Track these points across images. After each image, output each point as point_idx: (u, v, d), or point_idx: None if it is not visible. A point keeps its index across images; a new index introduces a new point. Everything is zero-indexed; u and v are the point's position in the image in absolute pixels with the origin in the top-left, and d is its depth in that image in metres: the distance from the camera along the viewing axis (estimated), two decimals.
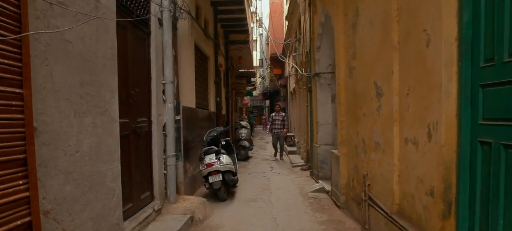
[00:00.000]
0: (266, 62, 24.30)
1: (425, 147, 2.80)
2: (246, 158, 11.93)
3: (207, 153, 6.15)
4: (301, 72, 8.93)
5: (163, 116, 4.85)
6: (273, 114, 11.89)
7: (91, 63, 2.91)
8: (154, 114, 4.58)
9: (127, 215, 3.72)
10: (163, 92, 4.84)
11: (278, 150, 11.95)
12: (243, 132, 12.07)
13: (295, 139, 14.26)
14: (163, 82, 4.82)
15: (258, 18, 26.84)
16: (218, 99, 9.77)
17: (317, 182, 7.38)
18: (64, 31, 2.54)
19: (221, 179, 6.02)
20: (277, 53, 10.74)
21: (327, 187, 6.61)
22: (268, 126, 12.65)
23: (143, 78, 4.39)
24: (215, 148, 6.19)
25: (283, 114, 11.91)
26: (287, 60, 12.41)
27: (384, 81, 3.57)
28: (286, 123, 12.04)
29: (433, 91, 2.66)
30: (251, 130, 26.28)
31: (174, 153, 4.97)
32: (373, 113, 3.93)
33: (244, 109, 25.39)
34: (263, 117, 28.07)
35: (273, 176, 8.81)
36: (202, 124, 7.80)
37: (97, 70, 3.01)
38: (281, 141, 11.87)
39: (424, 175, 2.84)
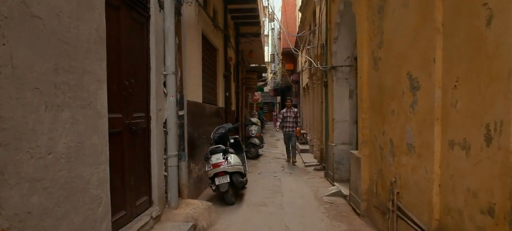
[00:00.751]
0: (278, 57, 23.70)
1: (481, 152, 2.22)
2: (257, 156, 11.41)
3: (214, 152, 5.64)
4: (316, 66, 8.34)
5: (164, 111, 4.34)
6: (284, 110, 10.20)
7: (70, 46, 2.40)
8: (153, 109, 4.07)
9: (118, 226, 3.23)
10: (164, 84, 4.34)
11: (291, 153, 10.25)
12: (254, 129, 11.54)
13: (308, 137, 13.68)
14: (164, 73, 4.31)
15: (270, 12, 26.27)
16: (227, 94, 9.25)
17: (333, 185, 6.81)
18: (31, 3, 2.03)
19: (229, 181, 5.50)
20: (290, 46, 10.16)
21: (344, 191, 6.05)
22: (278, 123, 10.72)
23: (141, 68, 3.89)
24: (222, 146, 5.68)
25: (295, 110, 10.21)
26: (300, 53, 11.73)
27: (422, 72, 2.99)
28: (299, 120, 10.30)
29: (495, 83, 2.08)
30: (262, 126, 25.81)
31: (176, 153, 4.47)
32: (405, 110, 3.35)
33: (255, 105, 24.85)
34: (274, 113, 27.36)
35: (284, 176, 8.27)
36: (210, 120, 7.29)
37: (79, 55, 2.51)
38: (293, 141, 10.12)
39: (478, 188, 2.27)
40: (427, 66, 2.89)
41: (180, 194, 4.96)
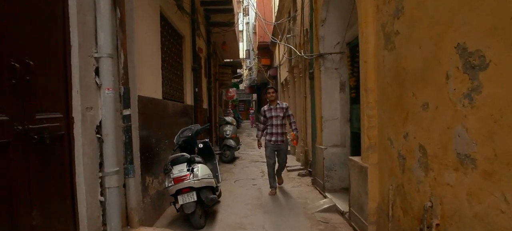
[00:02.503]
0: (254, 52, 22.52)
1: None
2: (232, 159, 10.17)
3: (176, 162, 4.37)
4: (299, 54, 7.18)
5: (96, 110, 3.04)
6: (265, 107, 6.27)
7: None
8: (76, 107, 2.77)
9: None
10: (96, 71, 3.04)
11: (276, 177, 6.42)
12: (229, 130, 10.30)
13: (288, 137, 12.54)
14: (96, 55, 3.01)
15: (244, 6, 25.05)
16: (196, 89, 7.96)
17: (324, 197, 5.68)
18: None
19: (196, 199, 4.25)
20: (268, 34, 8.97)
21: (341, 205, 4.92)
22: (257, 127, 6.76)
23: (52, 45, 2.58)
24: (186, 155, 4.41)
25: (284, 105, 6.34)
26: (278, 42, 10.49)
27: (494, 39, 1.86)
28: (293, 120, 6.43)
29: None
30: (238, 126, 24.60)
31: (118, 168, 3.18)
32: (453, 103, 2.22)
33: (230, 103, 23.59)
34: (250, 111, 25.96)
35: (265, 185, 7.07)
36: (175, 121, 6.00)
37: None
38: (283, 159, 6.41)
39: None
40: (505, 28, 1.76)
41: (128, 222, 3.68)
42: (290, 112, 6.41)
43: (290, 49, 9.44)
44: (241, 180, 7.57)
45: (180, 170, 4.30)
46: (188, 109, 7.45)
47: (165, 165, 4.39)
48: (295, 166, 8.75)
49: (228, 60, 17.09)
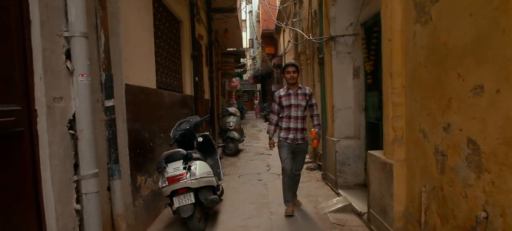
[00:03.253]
0: (257, 41, 21.89)
1: None
2: (236, 152, 9.66)
3: (171, 159, 3.85)
4: (308, 38, 6.59)
5: (68, 100, 2.52)
6: (281, 92, 4.59)
7: None
8: (39, 97, 2.25)
9: None
10: (68, 54, 2.50)
11: (293, 192, 4.81)
12: (232, 121, 9.76)
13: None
14: (66, 34, 2.47)
15: None
16: (196, 79, 7.42)
17: (337, 194, 5.15)
18: None
19: (193, 201, 3.74)
20: (273, 19, 8.38)
21: (357, 204, 4.39)
22: (268, 120, 4.82)
23: (2, 20, 2.05)
24: (182, 151, 3.88)
25: (309, 91, 4.63)
26: (284, 27, 9.83)
27: None
28: (316, 112, 4.73)
29: None
30: (242, 117, 24.10)
31: (96, 170, 2.65)
32: None
33: (234, 93, 23.04)
34: (255, 101, 25.08)
35: (271, 180, 6.57)
36: (172, 112, 5.48)
37: None
38: (299, 162, 4.76)
39: None
40: None
41: (116, 230, 3.18)
42: (313, 101, 4.63)
43: (296, 34, 8.85)
44: (245, 175, 7.06)
45: (175, 168, 3.78)
46: (187, 100, 6.92)
47: (158, 162, 3.87)
48: None
49: (231, 49, 16.51)
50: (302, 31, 7.73)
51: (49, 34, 2.33)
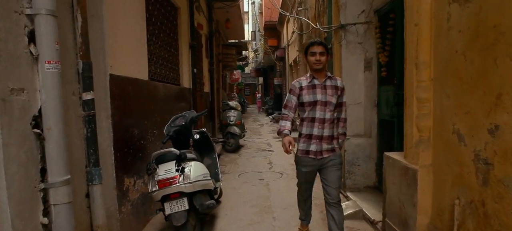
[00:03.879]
0: (260, 33, 21.40)
1: None
2: (237, 148, 9.24)
3: (162, 159, 3.41)
4: (315, 26, 6.11)
5: (32, 93, 2.08)
6: (302, 80, 3.13)
7: None
8: None
9: None
10: (31, 37, 2.06)
11: (310, 206, 3.62)
12: (233, 116, 9.33)
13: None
14: (29, 11, 2.04)
15: None
16: (195, 70, 6.98)
17: (346, 197, 4.72)
18: None
19: (187, 207, 3.31)
20: (277, 6, 7.91)
21: (369, 211, 3.97)
22: (281, 116, 3.11)
23: None
24: (174, 151, 3.44)
25: (341, 84, 3.16)
26: (289, 15, 9.30)
27: None
28: (344, 115, 3.23)
29: None
30: (243, 110, 23.61)
31: (67, 177, 2.23)
32: None
33: (235, 86, 22.59)
34: (257, 94, 24.30)
35: (273, 180, 6.14)
36: (167, 106, 5.06)
37: None
38: (334, 182, 3.14)
39: None
40: None
41: None
42: (344, 98, 3.19)
43: (301, 24, 8.38)
44: (246, 174, 6.64)
45: (167, 170, 3.35)
46: (185, 93, 6.48)
47: (148, 164, 3.45)
48: None
49: (233, 41, 16.03)
50: (308, 20, 7.26)
51: (4, 9, 1.89)
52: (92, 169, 2.63)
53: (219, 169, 4.52)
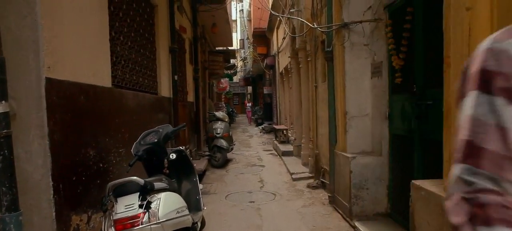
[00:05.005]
0: (248, 40, 20.72)
1: None
2: (224, 163, 8.40)
3: (121, 191, 2.58)
4: (313, 26, 5.37)
5: None
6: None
7: None
8: None
9: None
10: None
11: None
12: (219, 127, 8.51)
13: (289, 134, 10.83)
14: None
15: None
16: (176, 77, 6.17)
17: (353, 227, 3.95)
18: None
19: None
20: (268, 9, 7.19)
21: None
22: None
23: None
24: (137, 180, 2.60)
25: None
26: (280, 16, 8.51)
27: None
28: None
29: None
30: (232, 121, 22.75)
31: None
32: None
33: (223, 96, 21.77)
34: (247, 105, 22.96)
35: (266, 202, 5.33)
36: (140, 119, 4.25)
37: None
38: None
39: None
40: None
41: None
42: None
43: (293, 28, 7.67)
44: (234, 195, 5.82)
45: (128, 205, 2.52)
46: (163, 103, 5.67)
47: (102, 197, 2.61)
48: (302, 172, 7.01)
49: (221, 48, 15.27)
50: (304, 20, 6.54)
51: None
52: (5, 216, 1.79)
53: (200, 195, 3.70)
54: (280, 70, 13.37)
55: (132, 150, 3.28)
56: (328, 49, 4.76)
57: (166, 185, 2.91)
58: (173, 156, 3.56)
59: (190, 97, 8.45)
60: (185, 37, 7.88)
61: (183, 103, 7.48)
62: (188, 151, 7.98)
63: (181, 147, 3.74)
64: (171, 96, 6.10)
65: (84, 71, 2.84)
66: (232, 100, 35.01)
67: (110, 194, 2.57)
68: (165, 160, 3.43)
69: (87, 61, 2.92)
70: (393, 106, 3.93)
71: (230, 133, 9.00)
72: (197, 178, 3.83)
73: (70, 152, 2.59)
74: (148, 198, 2.56)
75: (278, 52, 13.28)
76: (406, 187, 3.54)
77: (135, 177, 2.56)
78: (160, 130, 3.54)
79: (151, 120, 4.80)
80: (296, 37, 7.49)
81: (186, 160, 3.74)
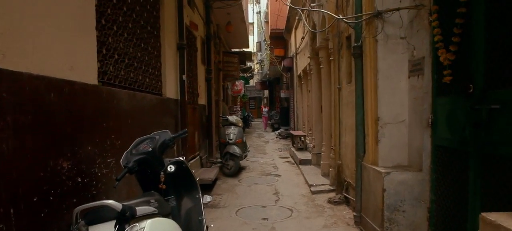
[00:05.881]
0: (266, 42, 20.15)
1: None
2: (237, 172, 7.78)
3: (95, 219, 1.99)
4: (338, 18, 4.68)
5: None
6: None
7: None
8: None
9: None
10: None
11: None
12: (232, 133, 7.90)
13: (307, 141, 10.13)
14: None
15: None
16: (184, 77, 5.61)
17: None
18: None
19: None
20: (286, 4, 6.56)
21: None
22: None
23: None
24: (113, 205, 2.00)
25: None
26: (300, 8, 7.79)
27: None
28: None
29: None
30: (247, 125, 22.10)
31: None
32: None
33: (239, 99, 21.23)
34: (263, 110, 21.89)
35: (281, 220, 4.68)
36: (137, 123, 3.70)
37: None
38: None
39: None
40: None
41: None
42: None
43: (314, 25, 7.01)
44: (246, 209, 5.19)
45: None
46: (169, 105, 5.11)
47: (69, 226, 2.03)
48: (322, 184, 6.33)
49: (237, 50, 14.73)
50: (325, 17, 5.88)
51: None
52: None
53: (204, 216, 3.08)
54: (298, 73, 12.71)
55: (121, 161, 2.70)
56: (356, 44, 4.09)
57: (154, 209, 2.30)
58: (171, 168, 2.96)
59: (202, 100, 7.89)
60: (197, 34, 7.34)
61: (193, 106, 6.93)
62: (199, 159, 7.42)
63: (181, 158, 3.12)
64: (179, 98, 5.54)
65: (56, 62, 2.28)
66: (248, 104, 34.49)
67: (79, 221, 1.98)
68: (162, 173, 2.84)
69: (62, 51, 2.36)
70: (438, 111, 3.22)
71: (244, 139, 8.38)
72: (201, 194, 3.20)
73: (30, 165, 2.02)
74: (127, 228, 1.96)
75: (296, 54, 12.64)
76: (456, 213, 2.84)
77: (110, 201, 1.95)
78: (156, 137, 2.95)
79: (153, 124, 4.24)
80: (317, 35, 6.84)
81: (187, 173, 3.12)
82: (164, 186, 2.81)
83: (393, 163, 3.65)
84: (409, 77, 3.58)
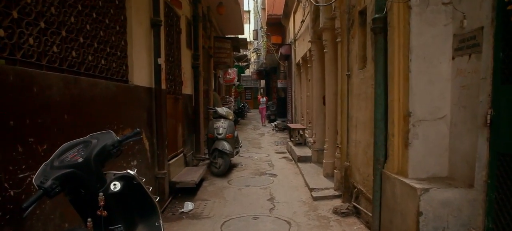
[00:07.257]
0: (262, 29, 19.08)
1: None
2: (227, 171, 6.80)
3: None
4: None
5: None
6: None
7: None
8: None
9: None
10: None
11: None
12: (221, 127, 6.91)
13: (307, 136, 9.17)
14: None
15: None
16: (159, 61, 4.59)
17: None
18: None
19: None
20: None
21: None
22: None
23: None
24: None
25: None
26: None
27: None
28: None
29: None
30: (242, 116, 21.01)
31: None
32: None
33: (233, 89, 20.18)
34: (261, 100, 20.51)
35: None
36: (90, 119, 2.70)
37: None
38: None
39: None
40: None
41: None
42: None
43: (315, 6, 5.98)
44: (234, 221, 4.24)
45: None
46: (139, 95, 4.12)
47: None
48: (325, 188, 5.38)
49: (231, 36, 13.65)
50: None
51: None
52: None
53: None
54: (297, 60, 11.71)
55: (34, 179, 1.76)
56: (377, 16, 3.08)
57: None
58: (115, 186, 1.99)
59: (187, 89, 6.88)
60: (181, 13, 6.31)
61: (175, 96, 5.93)
62: (182, 157, 6.43)
63: (130, 171, 2.13)
64: (153, 86, 4.54)
65: None
66: (244, 94, 33.47)
67: None
68: (100, 194, 1.88)
69: None
70: (501, 106, 2.25)
71: (235, 133, 7.40)
72: (161, 221, 2.24)
73: None
74: None
75: (295, 40, 11.61)
76: None
77: None
78: (93, 141, 1.99)
79: (112, 120, 3.28)
80: (320, 14, 5.83)
81: (140, 192, 2.16)
82: (104, 213, 1.88)
83: (428, 174, 2.70)
84: (453, 58, 2.61)
